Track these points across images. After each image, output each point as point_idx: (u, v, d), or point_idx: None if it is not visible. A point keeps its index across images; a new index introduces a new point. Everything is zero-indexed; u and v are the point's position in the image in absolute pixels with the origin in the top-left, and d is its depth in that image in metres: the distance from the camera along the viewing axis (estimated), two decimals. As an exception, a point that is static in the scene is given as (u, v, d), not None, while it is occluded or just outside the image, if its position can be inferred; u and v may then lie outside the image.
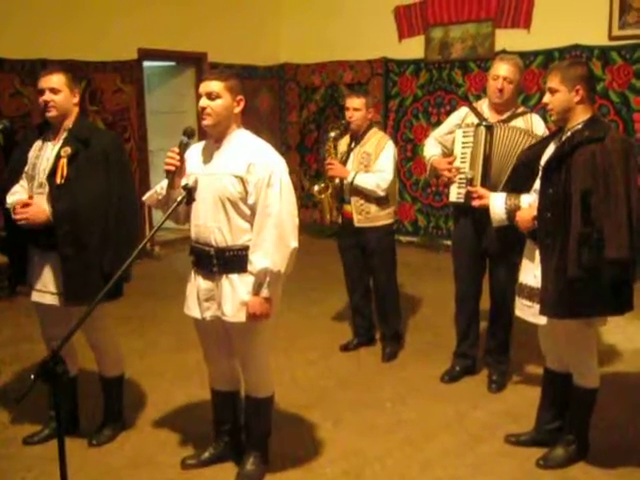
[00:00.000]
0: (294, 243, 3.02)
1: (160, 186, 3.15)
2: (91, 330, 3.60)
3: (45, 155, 3.47)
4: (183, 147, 3.03)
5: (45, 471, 3.36)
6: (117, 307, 3.68)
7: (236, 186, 3.00)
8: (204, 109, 3.01)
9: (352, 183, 4.63)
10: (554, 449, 3.44)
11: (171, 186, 3.06)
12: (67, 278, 3.38)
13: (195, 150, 3.20)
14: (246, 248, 3.04)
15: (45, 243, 3.41)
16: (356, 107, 4.70)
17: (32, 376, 2.26)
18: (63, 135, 3.48)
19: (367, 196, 4.66)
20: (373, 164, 4.65)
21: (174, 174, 3.02)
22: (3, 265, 6.28)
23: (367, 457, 3.55)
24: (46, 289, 3.48)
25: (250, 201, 3.01)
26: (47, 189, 3.40)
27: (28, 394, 2.26)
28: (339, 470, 3.43)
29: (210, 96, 3.01)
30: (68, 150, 3.41)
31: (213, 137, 3.12)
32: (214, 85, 3.00)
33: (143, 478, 3.38)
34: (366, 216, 4.70)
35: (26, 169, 3.51)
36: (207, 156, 3.13)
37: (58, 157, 3.41)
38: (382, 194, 4.62)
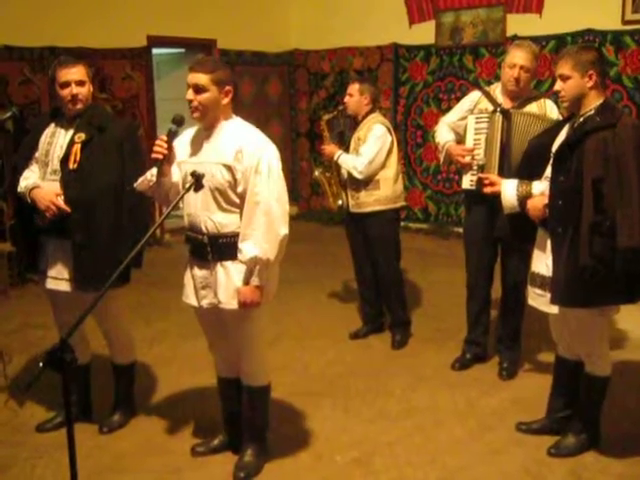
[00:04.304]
0: (284, 230, 2.98)
1: (151, 173, 3.09)
2: (102, 317, 3.62)
3: (59, 142, 3.46)
4: (172, 135, 2.99)
5: (55, 458, 3.38)
6: (126, 294, 3.69)
7: (225, 175, 2.98)
8: (191, 101, 2.99)
9: (337, 162, 4.72)
10: (566, 437, 3.42)
11: (160, 174, 3.02)
12: (78, 264, 3.38)
13: (185, 137, 3.18)
14: (239, 235, 3.01)
15: (60, 230, 3.40)
16: (349, 92, 4.72)
17: (40, 364, 2.26)
18: (77, 122, 3.47)
19: (357, 181, 4.66)
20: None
21: (162, 162, 2.98)
22: (12, 253, 6.34)
23: (377, 445, 3.54)
24: (61, 276, 3.47)
25: (239, 189, 2.99)
26: (60, 174, 3.40)
27: (36, 382, 2.26)
28: (349, 458, 3.43)
29: (196, 89, 2.97)
30: (82, 136, 3.41)
31: (203, 125, 3.11)
32: (200, 78, 2.96)
33: (153, 465, 3.38)
34: (356, 201, 4.71)
35: (37, 155, 3.51)
36: (197, 145, 3.11)
37: (72, 143, 3.40)
38: (360, 177, 4.61)
